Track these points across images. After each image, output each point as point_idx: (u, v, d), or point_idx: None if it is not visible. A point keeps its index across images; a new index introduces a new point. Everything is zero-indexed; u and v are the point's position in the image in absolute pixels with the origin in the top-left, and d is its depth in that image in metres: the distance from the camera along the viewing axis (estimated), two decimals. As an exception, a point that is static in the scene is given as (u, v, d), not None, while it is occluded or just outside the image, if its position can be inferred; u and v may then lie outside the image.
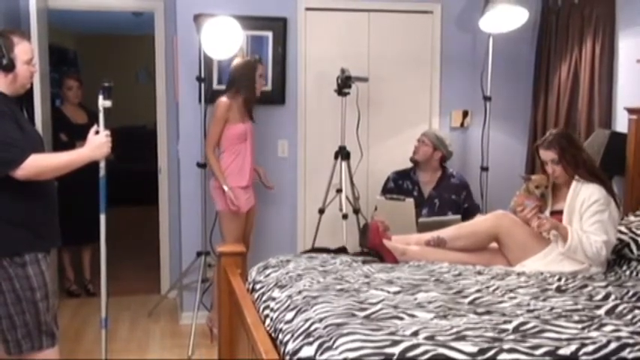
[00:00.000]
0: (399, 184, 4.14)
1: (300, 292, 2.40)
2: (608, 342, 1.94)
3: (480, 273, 2.80)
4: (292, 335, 2.06)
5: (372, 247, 3.06)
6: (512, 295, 2.45)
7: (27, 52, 2.66)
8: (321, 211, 4.14)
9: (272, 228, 4.46)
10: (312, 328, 2.03)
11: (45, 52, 4.24)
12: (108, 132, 2.81)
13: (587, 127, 3.91)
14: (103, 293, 3.10)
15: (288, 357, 2.01)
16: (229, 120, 3.80)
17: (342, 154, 4.08)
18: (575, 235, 2.88)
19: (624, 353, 1.91)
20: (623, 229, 3.10)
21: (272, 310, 2.41)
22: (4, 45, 2.57)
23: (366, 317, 2.10)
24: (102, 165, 2.95)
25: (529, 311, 2.25)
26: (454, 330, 2.00)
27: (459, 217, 3.79)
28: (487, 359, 1.82)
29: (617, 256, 3.06)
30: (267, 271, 2.82)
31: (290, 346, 2.02)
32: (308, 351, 1.92)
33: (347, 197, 4.09)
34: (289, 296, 2.40)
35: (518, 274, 2.79)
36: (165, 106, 4.85)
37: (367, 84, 4.29)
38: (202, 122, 4.07)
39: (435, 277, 2.69)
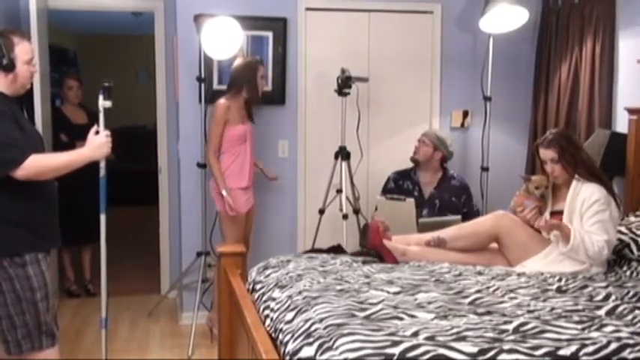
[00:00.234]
0: (399, 184, 4.13)
1: (300, 293, 2.40)
2: (609, 342, 1.94)
3: (480, 273, 2.80)
4: (292, 335, 2.06)
5: (373, 247, 3.06)
6: (512, 295, 2.45)
7: (27, 52, 2.66)
8: (322, 212, 4.14)
9: (272, 228, 4.46)
10: (313, 328, 2.03)
11: (45, 52, 4.24)
12: (108, 132, 2.81)
13: (587, 127, 3.91)
14: (103, 293, 3.10)
15: (288, 357, 2.01)
16: (229, 121, 3.80)
17: (343, 154, 4.08)
18: (577, 235, 2.88)
19: (624, 354, 1.91)
20: (623, 229, 3.10)
21: (272, 310, 2.41)
22: (4, 45, 2.57)
23: (367, 317, 2.10)
24: (102, 165, 2.95)
25: (529, 312, 2.24)
26: (454, 330, 2.00)
27: (459, 217, 3.79)
28: (487, 360, 1.82)
29: (618, 257, 3.06)
30: (268, 272, 2.82)
31: (290, 347, 2.02)
32: (308, 351, 1.92)
33: (347, 197, 4.08)
34: (289, 296, 2.40)
35: (519, 275, 2.79)
36: (166, 106, 4.85)
37: (367, 84, 4.28)
38: (202, 122, 4.08)
39: (435, 278, 2.69)
